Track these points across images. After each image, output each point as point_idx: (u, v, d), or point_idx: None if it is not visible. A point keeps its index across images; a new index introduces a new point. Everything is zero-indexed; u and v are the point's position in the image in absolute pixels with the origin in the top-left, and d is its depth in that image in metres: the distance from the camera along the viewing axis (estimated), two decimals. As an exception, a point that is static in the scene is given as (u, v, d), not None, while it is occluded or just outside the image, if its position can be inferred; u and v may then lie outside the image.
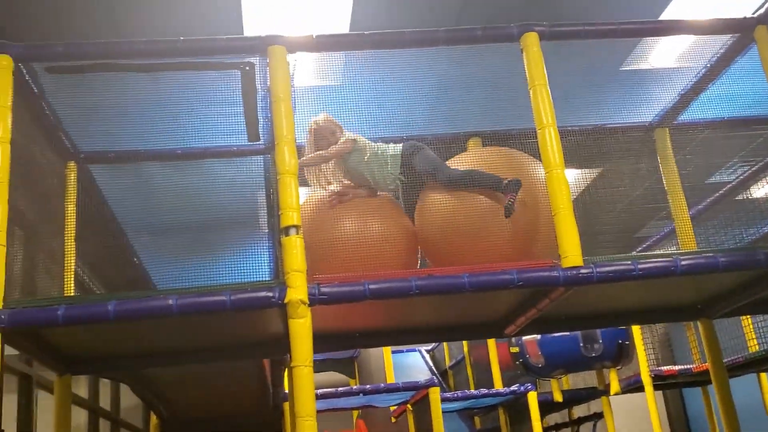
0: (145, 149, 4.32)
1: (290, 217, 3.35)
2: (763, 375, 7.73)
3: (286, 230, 3.34)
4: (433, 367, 11.18)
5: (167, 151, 4.36)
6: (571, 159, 4.17)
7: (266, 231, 4.20)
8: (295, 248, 3.33)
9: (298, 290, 3.28)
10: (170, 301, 3.25)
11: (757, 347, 6.76)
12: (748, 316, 6.75)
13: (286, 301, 3.27)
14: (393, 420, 8.77)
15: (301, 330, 3.25)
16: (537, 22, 3.82)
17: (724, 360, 5.40)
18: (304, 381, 3.19)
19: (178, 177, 4.42)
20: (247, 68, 3.73)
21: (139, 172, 4.43)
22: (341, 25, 5.74)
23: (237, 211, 4.57)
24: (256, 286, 3.37)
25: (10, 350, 3.81)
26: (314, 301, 3.34)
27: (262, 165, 4.30)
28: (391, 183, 4.18)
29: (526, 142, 4.29)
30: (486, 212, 3.84)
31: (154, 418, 6.81)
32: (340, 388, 7.30)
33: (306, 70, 4.20)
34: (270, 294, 3.29)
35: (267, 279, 3.86)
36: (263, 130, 4.05)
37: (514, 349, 8.48)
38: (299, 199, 3.43)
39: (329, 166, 4.19)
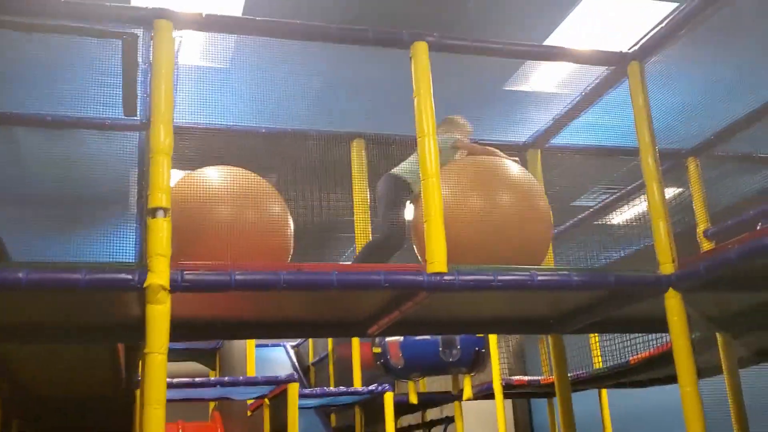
0: (11, 112, 4.09)
1: (159, 198, 3.24)
2: (603, 391, 8.18)
3: (153, 212, 3.23)
4: (296, 363, 11.14)
5: (36, 116, 4.14)
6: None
7: (135, 211, 4.07)
8: (160, 231, 3.22)
9: (159, 275, 3.17)
10: (20, 275, 3.08)
11: (601, 364, 7.13)
12: (596, 334, 7.12)
13: (145, 285, 3.16)
14: (249, 413, 8.68)
15: (158, 316, 3.15)
16: (428, 32, 3.86)
17: (570, 374, 5.67)
18: (156, 369, 3.10)
19: (47, 145, 4.21)
20: (130, 39, 3.60)
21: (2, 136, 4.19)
22: (235, 9, 5.64)
23: (107, 186, 4.40)
24: (116, 267, 3.25)
25: None
26: (176, 287, 3.23)
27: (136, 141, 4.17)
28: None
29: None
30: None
31: (-7, 396, 6.46)
32: (197, 379, 7.14)
33: (193, 50, 4.10)
34: (129, 276, 3.18)
35: (131, 261, 3.73)
36: (141, 106, 3.92)
37: (377, 350, 8.57)
38: (170, 180, 3.34)
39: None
